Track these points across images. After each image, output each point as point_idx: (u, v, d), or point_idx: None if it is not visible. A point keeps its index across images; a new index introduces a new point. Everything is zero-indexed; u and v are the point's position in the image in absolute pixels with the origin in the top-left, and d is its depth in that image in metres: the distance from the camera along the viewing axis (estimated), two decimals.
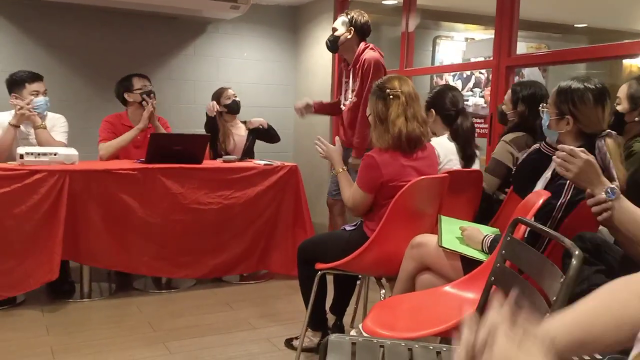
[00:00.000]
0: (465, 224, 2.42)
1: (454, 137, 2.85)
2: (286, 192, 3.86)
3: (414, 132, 2.41)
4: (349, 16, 3.65)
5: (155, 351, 2.71)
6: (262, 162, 3.88)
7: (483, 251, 2.19)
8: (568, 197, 1.98)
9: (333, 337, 1.69)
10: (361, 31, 3.64)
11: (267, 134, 4.30)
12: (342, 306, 2.95)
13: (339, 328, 2.92)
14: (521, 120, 2.84)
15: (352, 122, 3.64)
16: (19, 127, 3.41)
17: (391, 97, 2.42)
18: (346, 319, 2.97)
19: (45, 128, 3.51)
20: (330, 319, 2.90)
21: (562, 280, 1.31)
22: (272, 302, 3.50)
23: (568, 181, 2.00)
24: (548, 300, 1.38)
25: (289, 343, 2.84)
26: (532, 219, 1.89)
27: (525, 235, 1.95)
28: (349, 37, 3.62)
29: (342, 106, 3.78)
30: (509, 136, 2.82)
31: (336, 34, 3.66)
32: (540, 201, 1.90)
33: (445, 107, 2.87)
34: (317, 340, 2.75)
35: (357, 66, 3.58)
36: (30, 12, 4.50)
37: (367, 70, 3.49)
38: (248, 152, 4.29)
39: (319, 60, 5.14)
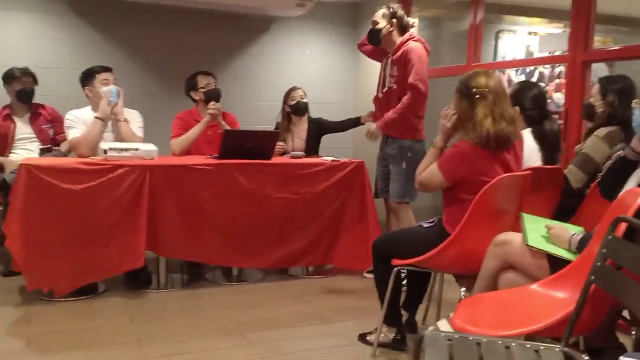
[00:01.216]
0: (548, 221, 2.39)
1: (540, 142, 2.82)
2: (352, 189, 3.89)
3: (502, 132, 2.35)
4: (390, 9, 3.61)
5: (234, 341, 2.79)
6: (330, 159, 3.91)
7: (570, 250, 2.15)
8: None
9: (428, 333, 1.71)
10: (402, 23, 3.61)
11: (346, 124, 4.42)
12: (415, 303, 2.96)
13: (412, 325, 2.94)
14: (612, 110, 2.79)
15: (390, 106, 3.61)
16: (104, 120, 3.56)
17: (477, 96, 2.37)
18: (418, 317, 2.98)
19: (127, 122, 3.65)
20: (403, 314, 2.91)
21: None
22: (341, 297, 3.55)
23: None
24: None
25: (363, 338, 2.87)
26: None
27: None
28: (391, 29, 3.60)
29: (379, 94, 3.74)
30: (602, 131, 2.76)
31: (377, 27, 3.61)
32: None
33: (526, 106, 2.83)
34: (392, 336, 2.77)
35: (398, 55, 3.55)
36: (104, 12, 4.68)
37: (408, 60, 3.47)
38: (312, 150, 4.33)
39: None
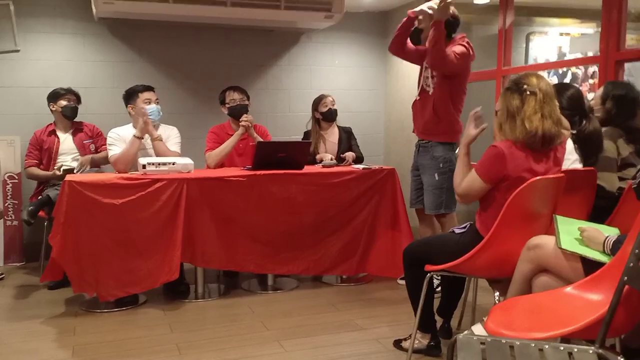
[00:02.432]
0: (581, 223, 2.36)
1: (582, 143, 2.80)
2: (384, 196, 3.92)
3: (549, 131, 2.35)
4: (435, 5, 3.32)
5: (271, 349, 2.84)
6: (361, 166, 3.95)
7: (604, 252, 2.13)
8: None
9: (461, 336, 1.72)
10: (452, 23, 3.41)
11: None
12: (450, 309, 2.96)
13: (447, 330, 2.93)
14: (607, 117, 2.78)
15: (426, 111, 3.51)
16: (142, 138, 3.69)
17: (528, 93, 2.37)
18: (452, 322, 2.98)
19: (161, 140, 3.77)
20: (437, 320, 2.91)
21: None
22: (375, 304, 3.56)
23: None
24: None
25: (397, 344, 2.88)
26: None
27: None
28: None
29: (417, 96, 3.61)
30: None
31: (421, 26, 3.45)
32: None
33: (563, 106, 2.80)
34: (426, 342, 2.77)
35: None
36: (139, 32, 4.85)
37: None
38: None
39: (409, 64, 5.15)
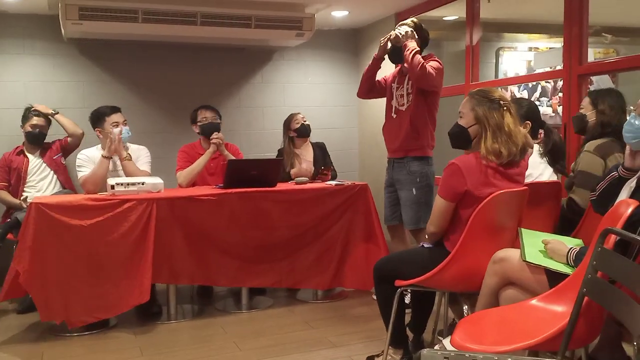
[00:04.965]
0: (546, 236, 2.39)
1: (551, 154, 2.85)
2: (357, 211, 3.92)
3: (524, 143, 2.42)
4: (413, 24, 3.46)
5: None
6: (334, 182, 3.96)
7: (568, 264, 2.16)
8: None
9: (425, 352, 1.72)
10: (424, 39, 3.50)
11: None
12: (421, 323, 2.95)
13: (419, 344, 2.93)
14: (605, 119, 2.82)
15: (403, 129, 3.53)
16: (111, 158, 3.65)
17: (504, 108, 2.42)
18: (427, 337, 2.97)
19: (130, 159, 3.73)
20: (409, 335, 2.91)
21: None
22: (349, 320, 3.55)
23: None
24: None
25: None
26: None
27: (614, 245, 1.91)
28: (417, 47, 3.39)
29: (393, 114, 3.61)
30: (592, 144, 2.76)
31: (400, 44, 3.40)
32: (630, 210, 1.86)
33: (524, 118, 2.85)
34: (399, 358, 2.76)
35: None
36: (110, 52, 4.82)
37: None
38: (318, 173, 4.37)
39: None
